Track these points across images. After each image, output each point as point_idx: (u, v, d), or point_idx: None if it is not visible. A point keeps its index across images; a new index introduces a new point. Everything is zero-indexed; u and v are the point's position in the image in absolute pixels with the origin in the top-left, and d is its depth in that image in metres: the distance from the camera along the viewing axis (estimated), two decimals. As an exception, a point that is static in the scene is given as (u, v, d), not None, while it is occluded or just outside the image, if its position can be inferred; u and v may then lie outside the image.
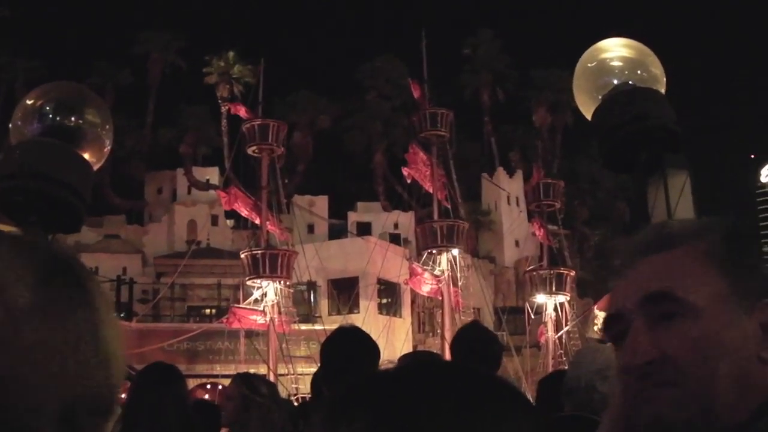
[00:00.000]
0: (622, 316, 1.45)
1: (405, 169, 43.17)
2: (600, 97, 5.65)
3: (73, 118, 5.79)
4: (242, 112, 41.94)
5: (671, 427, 1.36)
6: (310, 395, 6.43)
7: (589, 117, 5.74)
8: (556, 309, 43.86)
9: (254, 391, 5.80)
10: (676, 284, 1.41)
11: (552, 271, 44.34)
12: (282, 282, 38.39)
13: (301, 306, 45.75)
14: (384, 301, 49.56)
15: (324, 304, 48.57)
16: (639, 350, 1.39)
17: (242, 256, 38.80)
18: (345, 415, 1.00)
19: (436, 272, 41.11)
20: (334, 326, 5.44)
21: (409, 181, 43.51)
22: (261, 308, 37.97)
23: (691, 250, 1.45)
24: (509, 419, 1.01)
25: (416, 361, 1.09)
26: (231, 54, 65.13)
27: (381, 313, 47.66)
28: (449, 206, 43.15)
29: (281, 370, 36.96)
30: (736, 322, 1.38)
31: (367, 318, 40.87)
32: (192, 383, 39.48)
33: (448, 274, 41.08)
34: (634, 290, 1.44)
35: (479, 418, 0.99)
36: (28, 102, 5.85)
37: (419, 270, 40.74)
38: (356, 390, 1.05)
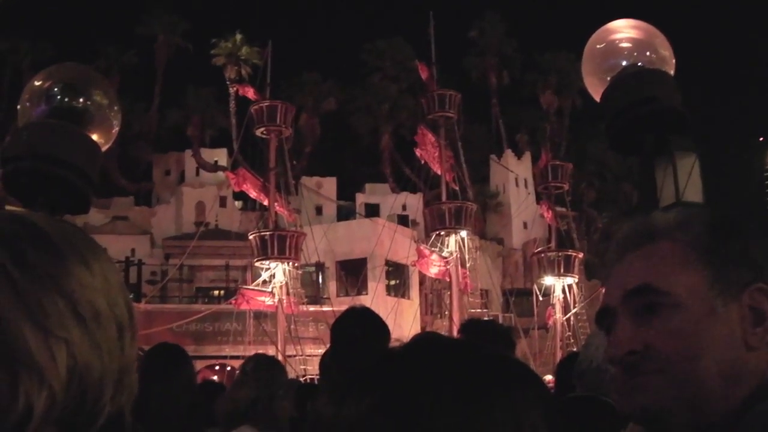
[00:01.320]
0: (609, 311, 1.47)
1: (417, 150, 43.17)
2: (608, 78, 5.64)
3: (80, 100, 5.79)
4: (250, 93, 41.93)
5: (659, 415, 1.38)
6: (318, 376, 6.41)
7: (597, 99, 5.73)
8: (564, 291, 43.88)
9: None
10: (656, 277, 1.42)
11: (560, 253, 44.34)
12: (290, 263, 38.45)
13: (310, 287, 45.82)
14: (392, 282, 49.59)
15: (332, 286, 48.64)
16: (621, 342, 1.41)
17: (250, 237, 38.87)
18: (352, 395, 1.00)
19: (444, 254, 41.13)
20: (343, 308, 5.44)
21: (423, 162, 43.54)
22: (269, 289, 38.04)
23: (674, 241, 1.45)
24: (521, 398, 1.01)
25: (424, 340, 1.09)
26: (238, 36, 65.04)
27: (389, 294, 47.69)
28: (457, 188, 43.13)
29: (289, 351, 37.03)
30: (719, 311, 1.39)
31: (375, 299, 40.92)
32: (200, 365, 39.61)
33: (456, 256, 41.10)
34: (618, 285, 1.46)
35: (490, 398, 0.99)
36: (36, 83, 5.86)
37: (426, 252, 40.75)
38: (364, 370, 1.04)
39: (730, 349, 1.37)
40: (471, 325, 5.33)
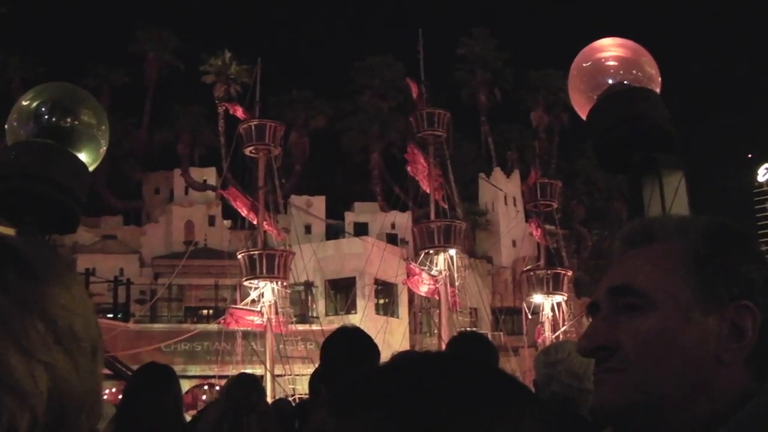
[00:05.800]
0: (595, 305, 1.48)
1: (408, 167, 43.29)
2: (595, 97, 5.65)
3: (68, 119, 5.77)
4: (239, 112, 41.95)
5: (614, 413, 1.39)
6: (308, 395, 6.37)
7: (584, 117, 5.74)
8: (553, 309, 43.90)
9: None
10: (640, 278, 1.43)
11: (549, 271, 44.37)
12: (279, 282, 38.39)
13: (298, 306, 45.74)
14: (381, 301, 49.52)
15: (321, 305, 48.55)
16: (591, 335, 1.43)
17: (239, 256, 38.78)
18: (357, 409, 0.99)
19: (433, 272, 41.12)
20: (332, 327, 5.46)
21: (413, 178, 43.64)
22: (258, 309, 37.97)
23: (668, 246, 1.46)
24: (521, 413, 1.01)
25: (427, 353, 1.09)
26: (228, 54, 65.05)
27: (378, 313, 47.64)
28: (446, 206, 43.16)
29: (278, 370, 36.96)
30: (696, 319, 1.38)
31: (365, 318, 40.89)
32: (189, 384, 39.51)
33: (446, 275, 41.09)
34: (606, 282, 1.48)
35: (495, 411, 0.99)
36: (24, 103, 5.85)
37: (417, 270, 40.74)
38: (369, 380, 1.04)
39: (697, 359, 1.36)
40: (460, 340, 5.33)
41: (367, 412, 0.98)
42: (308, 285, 47.17)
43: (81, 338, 1.13)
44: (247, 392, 5.64)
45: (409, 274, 40.90)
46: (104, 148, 6.05)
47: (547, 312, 43.90)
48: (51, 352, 1.08)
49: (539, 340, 43.77)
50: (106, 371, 33.52)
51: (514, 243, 62.56)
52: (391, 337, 40.79)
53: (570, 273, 45.75)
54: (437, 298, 41.50)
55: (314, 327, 38.73)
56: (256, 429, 5.46)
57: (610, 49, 5.88)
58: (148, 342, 39.47)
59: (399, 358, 1.10)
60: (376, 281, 47.82)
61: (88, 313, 1.17)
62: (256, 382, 6.07)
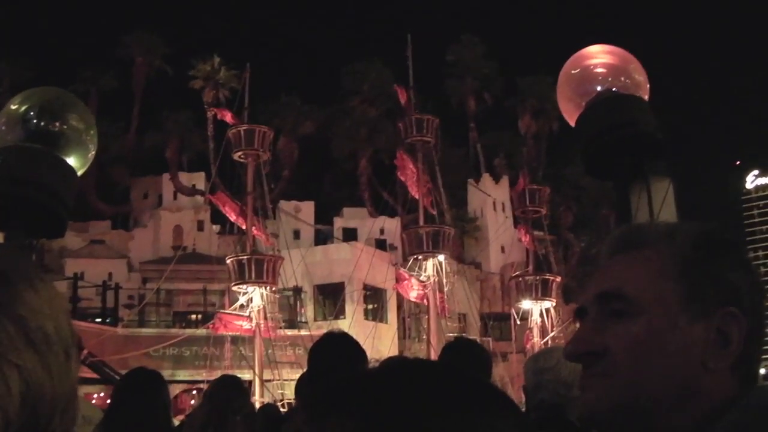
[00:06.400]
0: (583, 310, 1.47)
1: (398, 173, 43.30)
2: (584, 103, 5.65)
3: (57, 123, 5.76)
4: (228, 117, 41.95)
5: (598, 418, 1.39)
6: (294, 399, 6.37)
7: (572, 124, 5.74)
8: (541, 315, 43.88)
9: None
10: (629, 283, 1.42)
11: (538, 277, 44.36)
12: (268, 287, 38.34)
13: (287, 311, 45.69)
14: (370, 306, 49.50)
15: (310, 310, 48.55)
16: (580, 339, 1.42)
17: (228, 261, 38.72)
18: (334, 415, 0.98)
19: (422, 278, 41.12)
20: (320, 332, 5.45)
21: (403, 185, 43.65)
22: (247, 314, 37.91)
23: (656, 252, 1.45)
24: (500, 421, 1.00)
25: (403, 361, 1.08)
26: (216, 59, 64.99)
27: (367, 318, 47.63)
28: (435, 212, 43.18)
29: (267, 375, 36.91)
30: (683, 326, 1.38)
31: (353, 324, 40.86)
32: (177, 389, 39.39)
33: (434, 280, 41.09)
34: (594, 287, 1.47)
35: (472, 420, 0.98)
36: (12, 107, 5.83)
37: (406, 275, 40.75)
38: (344, 389, 1.02)
39: (684, 365, 1.36)
40: (455, 346, 5.33)
41: (342, 421, 0.97)
42: (297, 290, 47.14)
43: (52, 340, 1.13)
44: (230, 394, 5.62)
45: (399, 279, 40.91)
46: (92, 152, 6.03)
47: (535, 318, 43.88)
48: (22, 354, 1.08)
49: (528, 346, 43.73)
50: (95, 376, 33.47)
51: (502, 249, 62.62)
52: (380, 342, 40.78)
53: (558, 279, 45.76)
54: (426, 303, 41.49)
55: (303, 332, 38.66)
56: (241, 430, 5.44)
57: (598, 56, 5.88)
58: (137, 347, 39.36)
59: (381, 365, 1.09)
60: (365, 287, 47.80)
61: (59, 315, 1.16)
62: (239, 383, 6.06)
